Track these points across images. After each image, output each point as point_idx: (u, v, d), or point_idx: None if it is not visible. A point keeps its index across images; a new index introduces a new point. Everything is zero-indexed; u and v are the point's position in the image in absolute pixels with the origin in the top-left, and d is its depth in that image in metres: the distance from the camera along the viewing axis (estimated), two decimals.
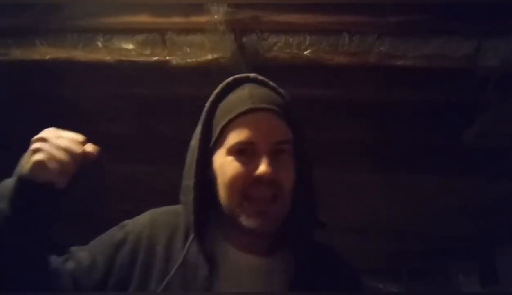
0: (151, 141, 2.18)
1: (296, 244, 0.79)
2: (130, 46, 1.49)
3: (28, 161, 0.71)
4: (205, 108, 0.81)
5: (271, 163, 0.72)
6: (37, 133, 0.75)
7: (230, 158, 0.74)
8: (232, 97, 0.79)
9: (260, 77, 0.82)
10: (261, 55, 1.48)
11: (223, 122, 0.76)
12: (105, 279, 0.75)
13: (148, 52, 1.50)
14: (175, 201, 0.91)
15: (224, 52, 1.45)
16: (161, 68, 1.52)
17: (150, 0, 1.45)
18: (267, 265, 0.78)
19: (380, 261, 4.34)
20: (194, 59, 1.47)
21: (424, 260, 4.30)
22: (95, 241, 0.81)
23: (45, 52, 1.52)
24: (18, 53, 1.54)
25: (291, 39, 1.44)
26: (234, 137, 0.74)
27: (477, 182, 2.43)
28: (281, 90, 0.82)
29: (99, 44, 1.50)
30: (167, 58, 1.49)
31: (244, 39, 1.46)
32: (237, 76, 0.81)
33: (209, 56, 1.46)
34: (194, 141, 0.80)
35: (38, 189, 0.69)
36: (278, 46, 1.45)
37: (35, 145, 0.71)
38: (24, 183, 0.70)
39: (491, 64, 1.40)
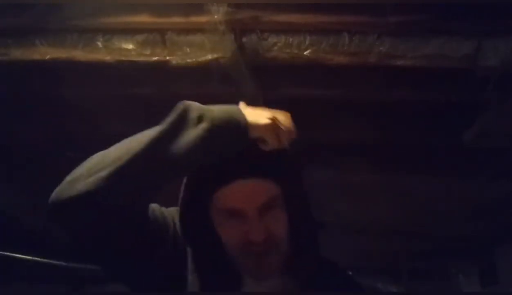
0: None
1: (302, 265, 0.85)
2: (130, 46, 1.49)
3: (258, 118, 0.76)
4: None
5: (259, 225, 0.76)
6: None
7: (222, 218, 0.79)
8: None
9: None
10: (261, 55, 1.48)
11: (212, 188, 0.79)
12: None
13: (148, 52, 1.50)
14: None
15: (224, 52, 1.45)
16: (161, 68, 1.52)
17: (150, 0, 1.45)
18: (277, 284, 0.83)
19: (380, 261, 4.35)
20: (194, 59, 1.47)
21: (424, 260, 4.30)
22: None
23: (45, 52, 1.52)
24: (18, 53, 1.54)
25: (291, 39, 1.44)
26: (223, 204, 0.79)
27: (477, 182, 2.43)
28: None
29: (99, 44, 1.50)
30: (167, 58, 1.49)
31: (244, 39, 1.46)
32: None
33: (209, 56, 1.46)
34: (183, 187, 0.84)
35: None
36: (278, 46, 1.45)
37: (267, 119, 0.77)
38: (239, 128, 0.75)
39: (491, 64, 1.40)
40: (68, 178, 0.69)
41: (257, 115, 0.77)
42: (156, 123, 0.86)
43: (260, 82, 1.64)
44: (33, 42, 1.52)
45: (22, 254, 3.64)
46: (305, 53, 1.45)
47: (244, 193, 0.77)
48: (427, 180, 2.49)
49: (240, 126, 0.74)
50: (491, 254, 3.70)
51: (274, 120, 0.77)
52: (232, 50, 1.44)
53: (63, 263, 3.87)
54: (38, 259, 3.76)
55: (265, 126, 0.76)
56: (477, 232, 3.36)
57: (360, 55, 1.45)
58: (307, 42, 1.44)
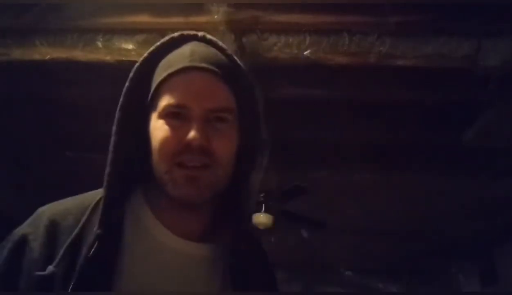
0: None
1: (231, 231, 0.73)
2: (130, 46, 1.49)
3: None
4: (142, 59, 0.73)
5: (203, 130, 0.65)
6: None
7: (161, 122, 0.67)
8: (173, 54, 0.71)
9: (209, 37, 0.75)
10: (261, 55, 1.48)
11: (158, 81, 0.69)
12: None
13: None
14: None
15: None
16: None
17: (150, 0, 1.45)
18: (199, 250, 0.71)
19: (380, 261, 4.35)
20: None
21: (424, 260, 4.30)
22: None
23: (45, 52, 1.52)
24: (18, 53, 1.54)
25: (291, 39, 1.44)
26: (167, 99, 0.67)
27: (477, 182, 2.43)
28: (231, 53, 0.74)
29: (99, 44, 1.50)
30: None
31: (244, 39, 1.46)
32: (184, 32, 0.74)
33: None
34: (122, 97, 0.73)
35: None
36: (278, 46, 1.45)
37: None
38: None
39: (491, 64, 1.41)
40: None
41: None
42: None
43: (260, 82, 1.64)
44: (33, 42, 1.52)
45: None
46: (305, 53, 1.45)
47: (195, 87, 0.67)
48: (427, 179, 2.49)
49: None
50: (491, 254, 3.70)
51: None
52: (232, 50, 1.44)
53: None
54: None
55: None
56: (477, 232, 3.36)
57: (360, 55, 1.45)
58: (307, 42, 1.44)
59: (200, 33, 0.74)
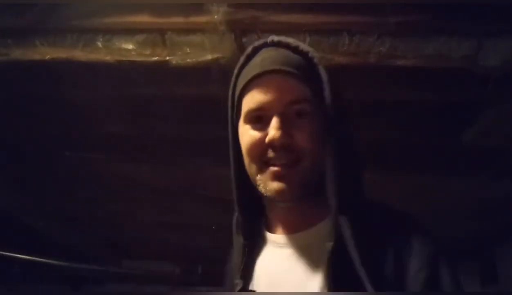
0: (151, 141, 2.18)
1: (336, 211, 0.70)
2: (130, 46, 1.49)
3: None
4: (230, 84, 0.80)
5: (283, 127, 0.68)
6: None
7: (247, 127, 0.73)
8: (248, 67, 0.77)
9: (277, 39, 0.79)
10: None
11: (238, 93, 0.75)
12: None
13: (148, 52, 1.50)
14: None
15: (224, 52, 1.45)
16: (161, 68, 1.52)
17: (150, 0, 1.45)
18: (301, 240, 0.74)
19: None
20: (194, 59, 1.47)
21: None
22: None
23: (45, 52, 1.52)
24: (18, 53, 1.54)
25: None
26: (247, 104, 0.73)
27: (477, 182, 2.43)
28: (304, 48, 0.77)
29: (99, 44, 1.50)
30: (167, 58, 1.49)
31: (244, 39, 1.46)
32: (255, 44, 0.80)
33: (209, 56, 1.46)
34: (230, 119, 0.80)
35: None
36: None
37: None
38: None
39: (491, 64, 1.40)
40: None
41: None
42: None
43: None
44: (33, 42, 1.52)
45: (22, 254, 3.64)
46: None
47: (269, 88, 0.70)
48: (427, 179, 2.49)
49: None
50: (492, 254, 3.70)
51: None
52: (232, 50, 1.44)
53: (63, 263, 3.87)
54: (38, 259, 3.75)
55: None
56: (477, 232, 3.36)
57: (360, 55, 1.45)
58: (307, 42, 1.44)
59: (269, 39, 0.78)
